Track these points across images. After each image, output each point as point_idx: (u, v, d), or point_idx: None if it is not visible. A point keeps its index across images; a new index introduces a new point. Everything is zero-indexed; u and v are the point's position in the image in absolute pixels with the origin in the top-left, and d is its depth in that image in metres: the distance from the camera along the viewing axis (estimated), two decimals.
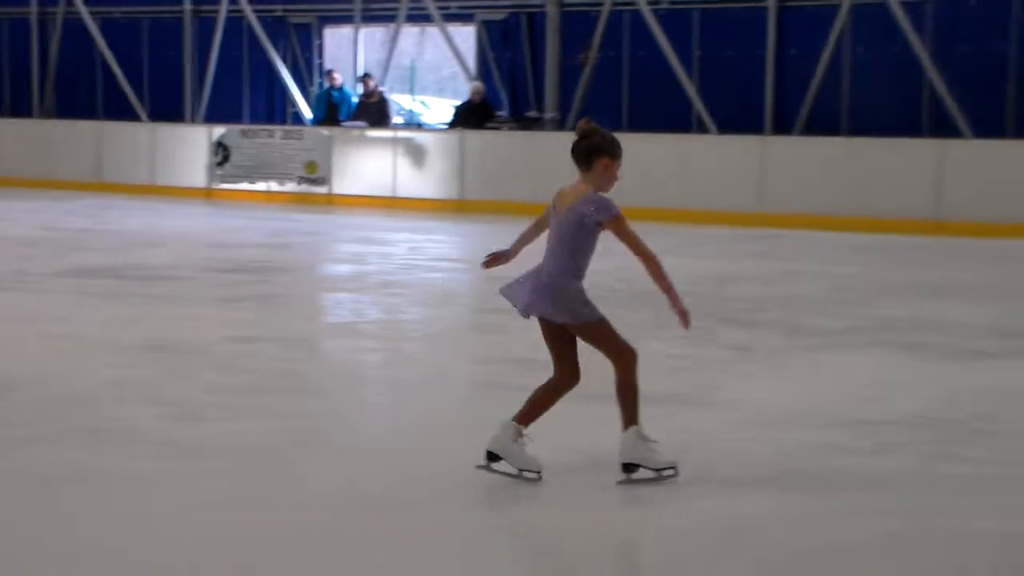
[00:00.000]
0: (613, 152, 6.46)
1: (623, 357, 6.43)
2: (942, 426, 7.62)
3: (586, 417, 7.03)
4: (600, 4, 22.75)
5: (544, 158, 21.75)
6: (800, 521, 5.86)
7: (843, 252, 16.56)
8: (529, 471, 6.36)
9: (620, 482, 6.36)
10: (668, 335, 10.45)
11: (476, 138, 22.65)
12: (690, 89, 22.01)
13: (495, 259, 6.74)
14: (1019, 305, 12.30)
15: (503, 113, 24.07)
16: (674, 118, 22.09)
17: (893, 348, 10.06)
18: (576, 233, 6.37)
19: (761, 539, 5.62)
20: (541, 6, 23.69)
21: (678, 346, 10.00)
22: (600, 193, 6.43)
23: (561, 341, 6.49)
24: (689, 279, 13.86)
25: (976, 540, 5.65)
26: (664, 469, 6.39)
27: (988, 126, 19.84)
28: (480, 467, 6.40)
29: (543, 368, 8.95)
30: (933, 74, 20.13)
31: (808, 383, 8.81)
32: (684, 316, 6.39)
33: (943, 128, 19.97)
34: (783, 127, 21.29)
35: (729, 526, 5.77)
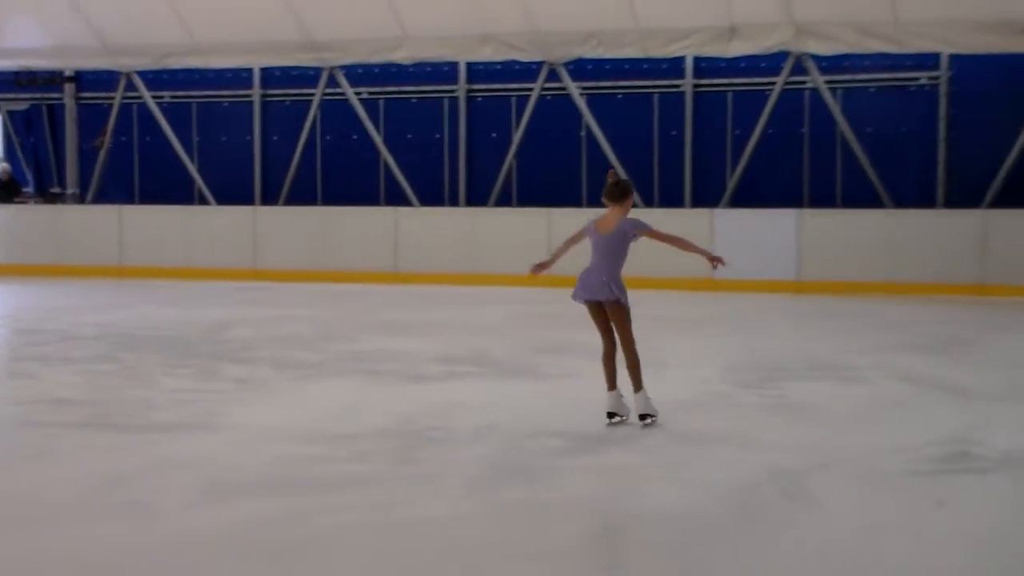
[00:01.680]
0: (632, 192, 8.16)
1: (630, 337, 7.88)
2: (402, 436, 7.77)
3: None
4: (112, 97, 22.20)
5: (67, 227, 21.06)
6: (288, 519, 5.86)
7: (324, 299, 16.77)
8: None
9: (645, 425, 7.93)
10: (179, 373, 10.35)
11: (5, 212, 21.63)
12: (191, 168, 21.78)
13: (541, 267, 8.13)
14: (454, 338, 12.75)
15: (29, 189, 23.13)
16: (179, 192, 21.81)
17: (361, 375, 10.29)
18: (622, 244, 7.91)
19: (257, 536, 5.60)
20: (60, 98, 22.90)
21: (188, 381, 9.89)
22: (628, 217, 8.02)
23: (605, 318, 7.93)
24: (192, 326, 13.75)
25: (425, 522, 5.85)
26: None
27: (432, 198, 20.64)
28: (610, 425, 7.96)
29: (71, 405, 8.71)
30: (387, 156, 20.75)
31: (293, 406, 8.86)
32: (717, 259, 7.93)
33: (397, 199, 20.62)
34: (270, 199, 21.42)
35: (231, 525, 5.75)
